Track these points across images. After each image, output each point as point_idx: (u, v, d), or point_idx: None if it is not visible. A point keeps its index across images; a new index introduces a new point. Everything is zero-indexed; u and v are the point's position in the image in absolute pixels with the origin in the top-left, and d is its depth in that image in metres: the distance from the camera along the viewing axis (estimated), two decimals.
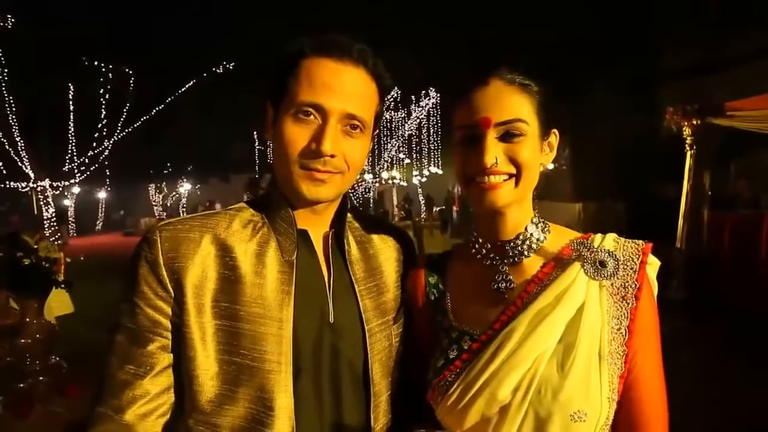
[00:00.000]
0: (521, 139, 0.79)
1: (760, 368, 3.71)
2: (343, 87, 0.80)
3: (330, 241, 0.88)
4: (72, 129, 18.24)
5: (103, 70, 17.80)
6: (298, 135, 0.79)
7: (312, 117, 0.79)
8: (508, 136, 0.79)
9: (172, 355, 0.77)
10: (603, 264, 0.79)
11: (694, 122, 5.60)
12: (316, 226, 0.88)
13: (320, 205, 0.86)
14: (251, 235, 0.83)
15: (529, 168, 0.80)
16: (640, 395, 0.77)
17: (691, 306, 5.28)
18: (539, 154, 0.83)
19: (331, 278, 0.86)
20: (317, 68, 0.80)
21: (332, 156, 0.79)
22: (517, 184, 0.80)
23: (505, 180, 0.79)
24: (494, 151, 0.78)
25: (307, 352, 0.80)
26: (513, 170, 0.79)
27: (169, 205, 28.33)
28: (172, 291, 0.76)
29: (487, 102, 0.79)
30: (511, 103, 0.79)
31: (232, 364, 0.76)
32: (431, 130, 20.77)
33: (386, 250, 0.96)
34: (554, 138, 0.86)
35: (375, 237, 0.96)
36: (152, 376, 0.76)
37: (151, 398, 0.75)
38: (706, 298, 5.39)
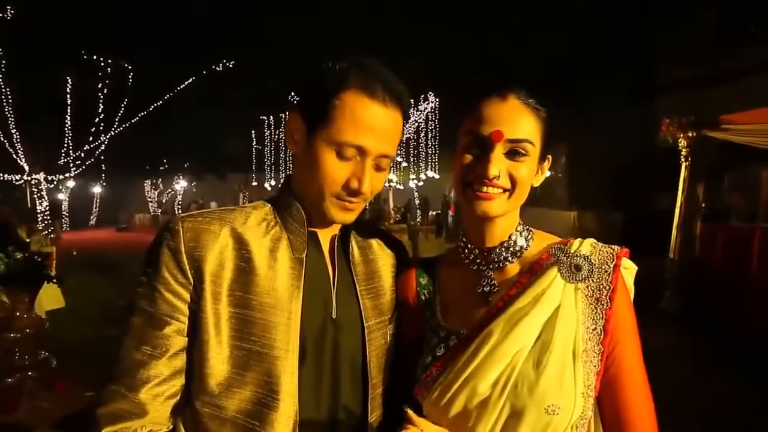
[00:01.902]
0: (524, 159, 0.83)
1: (751, 380, 3.73)
2: (385, 131, 0.85)
3: (336, 243, 0.94)
4: (69, 122, 18.13)
5: (102, 64, 17.73)
6: (339, 171, 0.84)
7: (352, 155, 0.84)
8: (513, 153, 0.83)
9: (186, 338, 0.82)
10: (578, 267, 0.83)
11: (690, 134, 5.66)
12: (325, 228, 0.94)
13: None
14: (265, 231, 0.89)
15: (525, 186, 0.85)
16: (622, 393, 0.81)
17: (683, 317, 5.32)
18: (534, 174, 0.88)
19: (335, 277, 0.92)
20: (363, 109, 0.83)
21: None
22: (510, 198, 0.84)
23: (500, 193, 0.84)
24: (499, 165, 0.82)
25: (311, 342, 0.86)
26: (509, 186, 0.84)
27: (164, 201, 28.20)
28: (191, 278, 0.81)
29: (502, 116, 0.82)
30: (525, 123, 0.83)
31: (242, 349, 0.81)
32: (429, 135, 20.83)
33: (384, 257, 1.02)
34: (547, 163, 0.91)
35: (375, 243, 1.02)
36: (167, 358, 0.80)
37: (164, 379, 0.80)
38: (698, 308, 5.43)
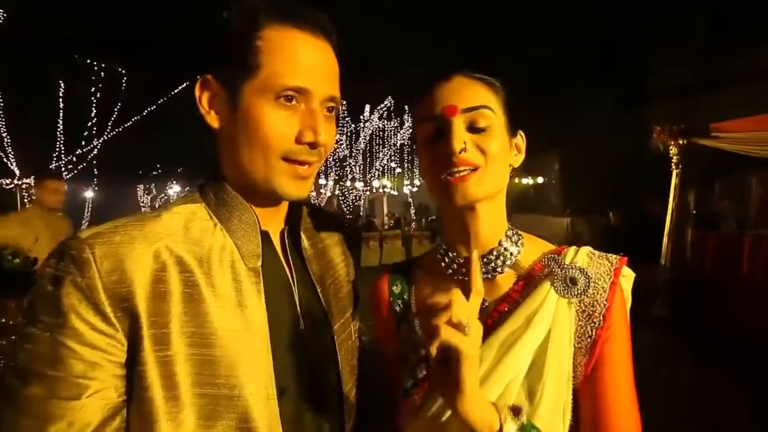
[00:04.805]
0: (489, 131, 0.77)
1: (740, 386, 3.75)
2: (324, 67, 0.72)
3: (286, 240, 0.80)
4: (61, 126, 17.98)
5: (95, 68, 17.64)
6: (281, 123, 0.68)
7: (295, 102, 0.69)
8: (475, 128, 0.76)
9: (117, 401, 0.62)
10: (574, 281, 0.76)
11: (681, 142, 5.71)
12: (274, 224, 0.79)
13: (283, 202, 0.78)
14: (204, 241, 0.70)
15: (498, 162, 0.77)
16: (607, 415, 0.73)
17: (674, 323, 5.34)
18: (507, 150, 0.80)
19: (294, 281, 0.78)
20: (292, 43, 0.68)
21: (323, 145, 0.72)
22: (485, 176, 0.76)
23: (472, 171, 0.75)
24: (462, 137, 0.75)
25: (285, 366, 0.72)
26: (481, 161, 0.76)
27: (157, 206, 28.00)
28: (117, 323, 0.61)
29: (451, 93, 0.77)
30: (476, 92, 0.77)
31: (206, 397, 0.64)
32: None
33: (333, 243, 0.89)
34: (521, 139, 0.84)
35: (322, 229, 0.88)
36: None
37: None
38: (689, 314, 5.45)
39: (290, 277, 0.78)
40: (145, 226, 0.67)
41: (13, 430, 0.58)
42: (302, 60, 0.69)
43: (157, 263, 0.65)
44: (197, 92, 0.72)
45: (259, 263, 0.72)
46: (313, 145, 0.71)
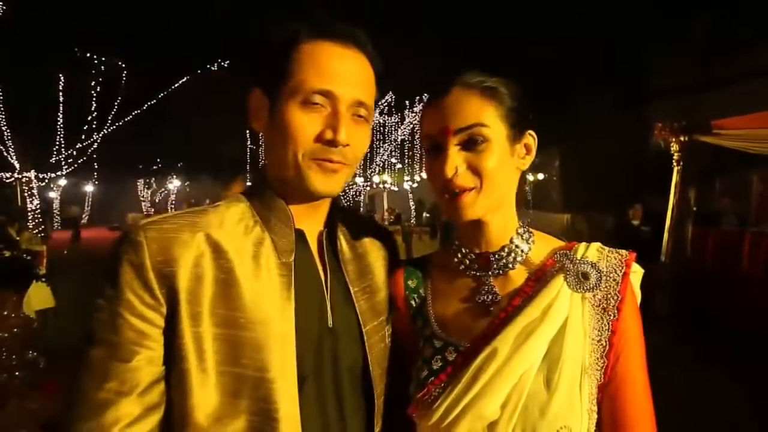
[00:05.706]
0: (485, 147, 0.77)
1: (740, 383, 3.76)
2: (352, 73, 0.78)
3: (323, 240, 0.85)
4: (61, 120, 17.95)
5: (96, 62, 17.60)
6: (307, 124, 0.75)
7: (320, 105, 0.76)
8: (471, 143, 0.77)
9: (162, 368, 0.71)
10: (585, 276, 0.78)
11: (682, 139, 5.71)
12: (311, 224, 0.84)
13: (318, 202, 0.83)
14: (244, 235, 0.77)
15: (495, 177, 0.78)
16: (623, 405, 0.77)
17: (675, 319, 5.36)
18: (509, 159, 0.80)
19: (327, 280, 0.82)
20: (322, 53, 0.76)
21: (346, 145, 0.77)
22: (482, 194, 0.78)
23: (467, 192, 0.77)
24: (455, 161, 0.76)
25: (309, 358, 0.77)
26: (476, 182, 0.77)
27: (157, 201, 28.08)
28: (161, 298, 0.70)
29: (446, 110, 0.78)
30: (471, 108, 0.77)
31: (231, 375, 0.71)
32: None
33: (374, 249, 0.93)
34: (531, 139, 0.83)
35: (363, 235, 0.93)
36: (138, 394, 0.69)
37: (136, 418, 0.69)
38: (690, 311, 5.47)
39: (323, 276, 0.82)
40: (193, 217, 0.77)
41: (82, 387, 0.69)
42: (329, 66, 0.76)
43: (198, 249, 0.73)
44: (249, 103, 0.82)
45: (292, 258, 0.78)
46: (332, 143, 0.75)
